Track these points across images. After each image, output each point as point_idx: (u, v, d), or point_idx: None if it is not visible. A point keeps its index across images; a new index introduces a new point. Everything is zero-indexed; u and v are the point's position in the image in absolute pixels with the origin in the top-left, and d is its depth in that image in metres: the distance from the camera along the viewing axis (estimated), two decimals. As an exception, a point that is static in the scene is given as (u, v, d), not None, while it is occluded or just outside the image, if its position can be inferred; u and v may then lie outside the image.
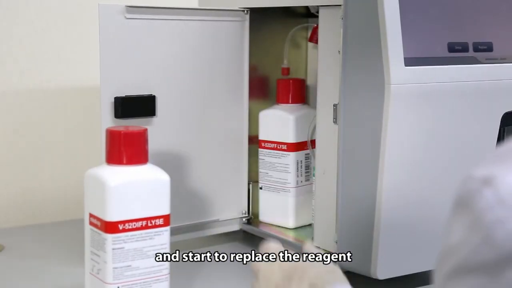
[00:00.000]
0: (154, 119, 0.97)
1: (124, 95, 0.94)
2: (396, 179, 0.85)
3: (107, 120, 0.94)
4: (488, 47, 0.89)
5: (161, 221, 0.78)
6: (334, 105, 0.91)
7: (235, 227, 1.09)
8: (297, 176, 1.05)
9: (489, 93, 0.89)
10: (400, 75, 0.82)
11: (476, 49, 0.88)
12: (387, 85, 0.82)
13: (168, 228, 0.79)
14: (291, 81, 1.07)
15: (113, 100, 0.94)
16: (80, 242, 1.09)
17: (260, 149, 1.08)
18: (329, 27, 0.94)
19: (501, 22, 0.92)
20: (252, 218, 1.10)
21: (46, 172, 1.29)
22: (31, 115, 1.27)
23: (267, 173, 1.07)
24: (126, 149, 0.77)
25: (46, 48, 1.27)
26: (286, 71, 1.10)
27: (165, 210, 0.78)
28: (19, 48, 1.25)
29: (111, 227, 0.75)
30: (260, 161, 1.08)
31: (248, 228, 1.09)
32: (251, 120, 1.07)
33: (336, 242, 0.90)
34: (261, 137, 1.07)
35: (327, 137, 0.94)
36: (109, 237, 0.75)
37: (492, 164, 0.45)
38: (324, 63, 0.95)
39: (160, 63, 0.97)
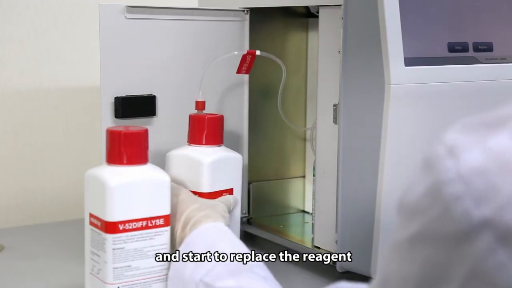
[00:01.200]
0: (154, 119, 0.97)
1: (124, 95, 0.94)
2: (396, 179, 0.85)
3: (107, 120, 0.94)
4: (488, 47, 0.89)
5: (161, 221, 0.78)
6: (334, 105, 0.91)
7: (235, 227, 1.08)
8: None
9: (489, 93, 0.89)
10: (400, 75, 0.82)
11: (476, 49, 0.88)
12: (387, 85, 0.82)
13: (168, 228, 0.79)
14: (207, 117, 0.91)
15: (113, 100, 0.94)
16: (80, 242, 1.09)
17: None
18: (329, 27, 0.94)
19: (501, 22, 0.91)
20: (252, 218, 1.10)
21: (46, 172, 1.29)
22: (31, 115, 1.27)
23: None
24: (126, 149, 0.77)
25: (46, 48, 1.27)
26: (201, 105, 0.94)
27: (166, 210, 0.78)
28: (19, 48, 1.25)
29: (111, 227, 0.75)
30: None
31: (248, 228, 1.09)
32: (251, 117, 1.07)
33: (336, 242, 0.90)
34: None
35: (327, 137, 0.94)
36: (110, 237, 0.75)
37: (464, 133, 0.45)
38: (324, 63, 0.95)
39: (160, 63, 0.97)
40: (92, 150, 1.29)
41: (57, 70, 1.28)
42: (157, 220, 0.77)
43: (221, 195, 0.90)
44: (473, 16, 0.89)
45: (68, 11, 1.28)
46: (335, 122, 0.91)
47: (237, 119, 1.06)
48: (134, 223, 0.76)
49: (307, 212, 1.14)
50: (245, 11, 1.04)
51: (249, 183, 1.09)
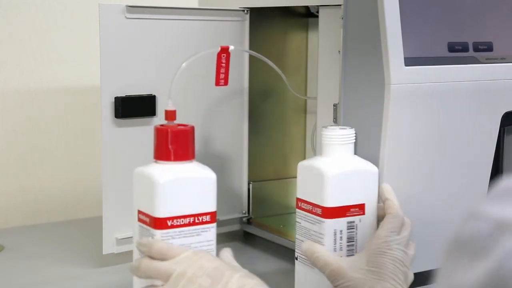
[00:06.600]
0: (154, 119, 0.97)
1: (124, 95, 0.94)
2: (395, 179, 0.85)
3: (107, 120, 0.94)
4: (488, 47, 0.89)
5: (208, 218, 0.78)
6: (334, 105, 0.91)
7: (235, 227, 1.09)
8: None
9: (489, 93, 0.89)
10: (400, 75, 0.82)
11: (476, 49, 0.88)
12: (387, 85, 0.82)
13: (214, 225, 0.79)
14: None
15: (113, 100, 0.94)
16: (80, 242, 1.09)
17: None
18: (329, 27, 0.94)
19: (501, 22, 0.91)
20: (252, 218, 1.10)
21: (46, 172, 1.29)
22: (31, 115, 1.27)
23: None
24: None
25: (46, 48, 1.27)
26: (172, 115, 0.79)
27: (212, 207, 0.79)
28: (19, 48, 1.25)
29: (160, 223, 0.75)
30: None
31: (248, 228, 1.09)
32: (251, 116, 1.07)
33: (336, 242, 0.90)
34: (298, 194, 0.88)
35: (327, 137, 0.94)
36: (158, 233, 0.75)
37: (506, 204, 0.39)
38: (324, 63, 0.95)
39: (160, 63, 0.97)
40: (92, 150, 1.29)
41: (57, 70, 1.28)
42: (204, 217, 0.78)
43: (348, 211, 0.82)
44: (473, 16, 0.89)
45: (68, 11, 1.28)
46: (335, 122, 0.91)
47: (237, 119, 1.06)
48: (182, 219, 0.76)
49: (307, 212, 1.14)
50: (245, 11, 1.04)
51: (249, 183, 1.09)
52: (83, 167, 1.31)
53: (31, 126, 1.27)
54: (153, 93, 0.97)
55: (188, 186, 0.77)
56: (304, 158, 1.15)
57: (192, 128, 0.79)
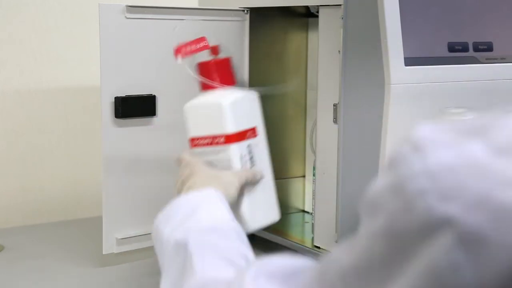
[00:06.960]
0: (154, 119, 0.97)
1: (124, 95, 0.94)
2: (396, 179, 0.85)
3: (107, 120, 0.94)
4: (488, 47, 0.89)
5: (222, 140, 0.85)
6: (334, 105, 0.91)
7: (235, 227, 1.08)
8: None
9: (489, 93, 0.89)
10: (400, 75, 0.82)
11: (476, 49, 0.88)
12: (387, 85, 0.82)
13: (229, 146, 0.85)
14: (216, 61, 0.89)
15: (113, 100, 0.94)
16: (80, 242, 1.09)
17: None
18: (329, 27, 0.94)
19: (501, 22, 0.92)
20: (252, 218, 1.10)
21: (46, 172, 1.29)
22: (31, 115, 1.27)
23: None
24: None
25: (46, 48, 1.27)
26: (216, 50, 0.90)
27: (225, 129, 0.85)
28: (19, 48, 1.25)
29: (190, 143, 0.87)
30: None
31: (248, 228, 1.09)
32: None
33: (336, 242, 0.90)
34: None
35: (327, 137, 0.94)
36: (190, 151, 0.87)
37: (434, 133, 0.43)
38: (324, 63, 0.95)
39: (161, 63, 0.97)
40: (92, 150, 1.29)
41: (57, 70, 1.28)
42: (219, 139, 0.86)
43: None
44: (473, 16, 0.89)
45: (68, 11, 1.28)
46: (335, 122, 0.91)
47: (237, 119, 1.06)
48: (201, 140, 0.86)
49: (307, 212, 1.14)
50: (245, 11, 1.04)
51: (249, 183, 1.09)
52: (83, 167, 1.31)
53: (31, 126, 1.27)
54: (153, 93, 0.97)
55: (204, 110, 0.86)
56: (304, 158, 1.16)
57: (228, 58, 0.88)
